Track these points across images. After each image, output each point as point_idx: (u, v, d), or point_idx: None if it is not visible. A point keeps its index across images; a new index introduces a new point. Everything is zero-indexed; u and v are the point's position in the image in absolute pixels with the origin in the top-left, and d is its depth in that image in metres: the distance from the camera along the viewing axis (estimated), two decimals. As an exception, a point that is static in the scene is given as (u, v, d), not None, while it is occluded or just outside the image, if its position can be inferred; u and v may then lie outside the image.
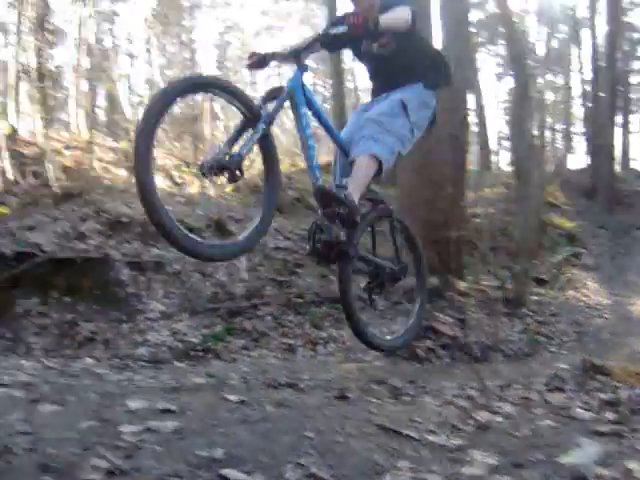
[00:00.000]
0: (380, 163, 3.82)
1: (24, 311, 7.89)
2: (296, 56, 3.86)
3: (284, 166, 15.07)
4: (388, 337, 4.66)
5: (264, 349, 7.40)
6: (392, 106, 4.00)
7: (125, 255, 8.87)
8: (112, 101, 19.30)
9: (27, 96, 15.14)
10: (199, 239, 3.26)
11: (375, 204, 4.37)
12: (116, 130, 17.31)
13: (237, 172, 3.27)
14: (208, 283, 8.81)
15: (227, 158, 3.25)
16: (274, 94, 3.63)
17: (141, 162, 2.93)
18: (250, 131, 3.45)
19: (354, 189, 3.73)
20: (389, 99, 4.08)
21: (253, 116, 3.44)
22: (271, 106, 3.57)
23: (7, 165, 11.95)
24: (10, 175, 11.83)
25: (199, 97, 14.72)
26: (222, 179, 3.32)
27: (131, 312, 8.06)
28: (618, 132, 26.90)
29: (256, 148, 3.51)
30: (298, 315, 8.21)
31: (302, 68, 3.84)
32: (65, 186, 11.35)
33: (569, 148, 34.21)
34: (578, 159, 50.70)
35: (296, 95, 3.74)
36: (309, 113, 3.85)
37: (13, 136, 12.95)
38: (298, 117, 3.76)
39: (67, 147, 13.49)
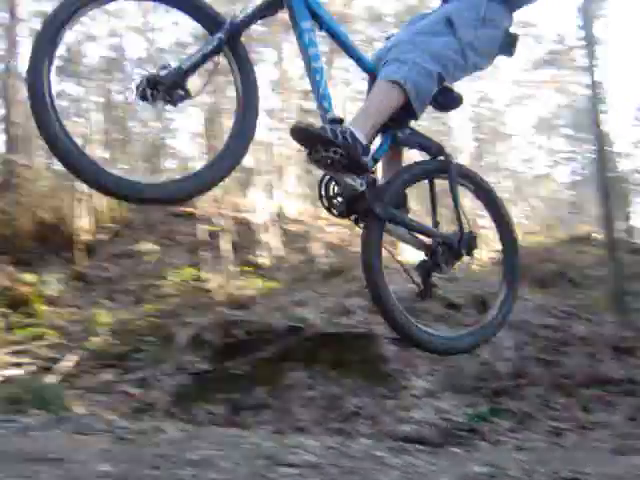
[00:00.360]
0: (405, 92, 2.85)
1: (292, 383, 8.23)
2: None
3: (539, 237, 14.59)
4: (449, 334, 3.46)
5: (530, 432, 7.13)
6: (435, 22, 3.06)
7: (389, 331, 8.97)
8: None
9: (293, 176, 16.10)
10: (118, 173, 2.61)
11: (429, 152, 3.25)
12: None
13: (178, 90, 2.63)
14: (472, 361, 8.67)
15: (163, 72, 2.61)
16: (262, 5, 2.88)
17: (34, 71, 2.40)
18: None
19: (358, 120, 2.85)
20: (435, 14, 3.16)
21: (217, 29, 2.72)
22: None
23: (277, 242, 12.70)
24: (280, 252, 12.55)
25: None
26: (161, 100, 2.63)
27: (395, 388, 8.11)
28: None
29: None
30: (566, 397, 7.83)
31: None
32: (330, 263, 11.86)
33: None
34: None
35: (293, 4, 2.89)
36: (315, 29, 2.96)
37: (281, 214, 13.77)
38: (298, 34, 2.90)
39: (330, 224, 14.09)
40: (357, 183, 2.83)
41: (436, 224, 3.17)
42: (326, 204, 2.94)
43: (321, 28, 2.95)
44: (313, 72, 2.86)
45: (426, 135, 3.19)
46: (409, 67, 2.84)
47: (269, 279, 11.73)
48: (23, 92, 11.43)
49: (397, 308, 2.96)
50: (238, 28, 2.71)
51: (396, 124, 3.03)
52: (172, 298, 11.43)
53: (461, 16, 3.02)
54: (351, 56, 3.07)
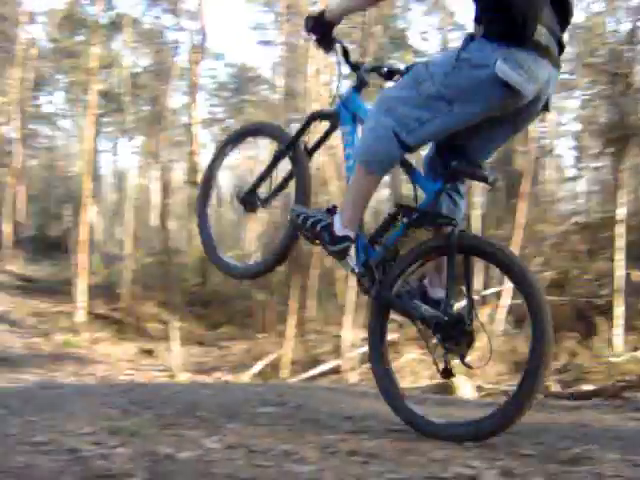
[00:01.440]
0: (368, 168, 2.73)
1: None
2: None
3: None
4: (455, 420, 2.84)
5: None
6: (408, 74, 2.76)
7: None
8: None
9: None
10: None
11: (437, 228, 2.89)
12: None
13: (248, 204, 3.38)
14: None
15: (251, 194, 3.38)
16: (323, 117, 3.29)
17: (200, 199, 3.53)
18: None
19: (341, 209, 2.81)
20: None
21: (286, 147, 3.27)
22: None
23: None
24: None
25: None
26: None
27: None
28: None
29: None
30: None
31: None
32: None
33: None
34: None
35: (340, 113, 3.07)
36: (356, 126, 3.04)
37: None
38: (341, 135, 3.08)
39: None
40: (351, 264, 2.86)
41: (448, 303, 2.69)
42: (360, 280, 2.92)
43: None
44: (345, 169, 2.98)
45: (439, 212, 2.82)
46: (363, 139, 2.79)
47: None
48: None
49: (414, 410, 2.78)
50: (293, 142, 3.23)
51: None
52: None
53: (432, 63, 2.68)
54: None
